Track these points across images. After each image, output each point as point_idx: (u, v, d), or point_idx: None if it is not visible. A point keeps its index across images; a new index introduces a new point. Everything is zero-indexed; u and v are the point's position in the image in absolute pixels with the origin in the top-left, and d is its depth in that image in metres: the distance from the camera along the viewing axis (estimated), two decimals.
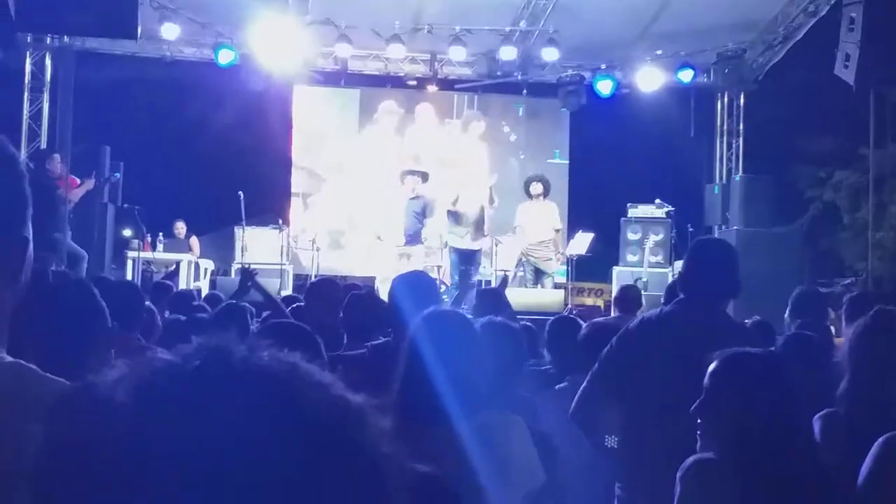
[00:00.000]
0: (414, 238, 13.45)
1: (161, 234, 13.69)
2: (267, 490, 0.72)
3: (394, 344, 3.86)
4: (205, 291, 12.17)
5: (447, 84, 15.68)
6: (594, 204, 14.68)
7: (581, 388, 3.89)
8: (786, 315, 6.19)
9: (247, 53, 13.83)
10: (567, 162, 16.08)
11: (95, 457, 0.72)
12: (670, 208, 14.33)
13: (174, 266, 13.31)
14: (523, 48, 14.69)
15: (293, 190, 15.64)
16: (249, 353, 0.78)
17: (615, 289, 11.51)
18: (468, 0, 13.54)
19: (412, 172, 13.83)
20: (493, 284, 10.63)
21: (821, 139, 13.90)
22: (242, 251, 13.45)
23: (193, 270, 13.44)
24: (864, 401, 3.12)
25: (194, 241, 14.03)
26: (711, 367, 2.70)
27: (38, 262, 1.51)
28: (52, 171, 11.24)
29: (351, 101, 15.84)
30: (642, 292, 12.27)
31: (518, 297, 10.60)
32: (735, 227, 13.80)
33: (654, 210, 14.41)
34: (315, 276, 12.10)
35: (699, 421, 2.70)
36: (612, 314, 8.45)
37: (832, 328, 6.18)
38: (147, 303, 4.91)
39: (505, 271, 12.66)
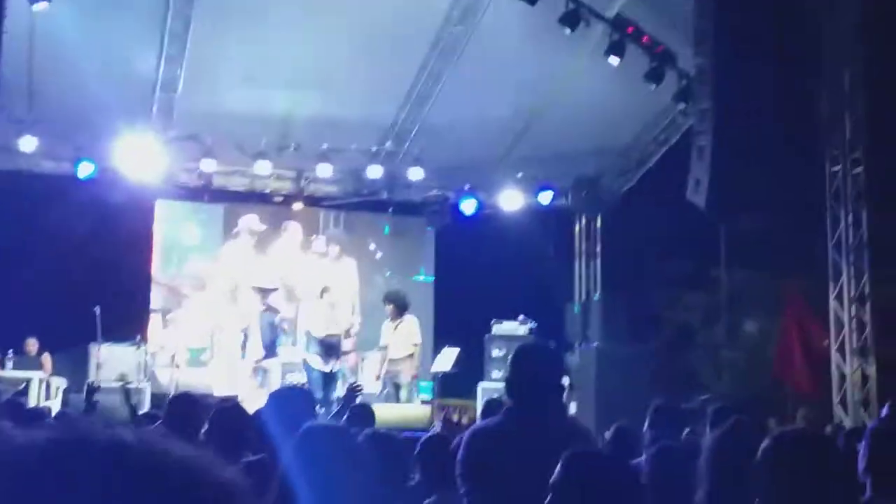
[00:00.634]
0: (270, 352, 13.46)
1: (11, 350, 13.11)
2: None
3: (269, 461, 3.76)
4: (55, 410, 11.66)
5: (314, 201, 15.71)
6: (459, 320, 14.78)
7: None
8: (644, 428, 6.33)
9: (107, 167, 13.63)
10: (432, 279, 16.22)
11: None
12: (533, 324, 14.55)
13: (23, 385, 12.72)
14: (389, 167, 14.92)
15: (152, 306, 15.26)
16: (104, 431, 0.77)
17: (480, 405, 11.53)
18: (335, 119, 13.74)
19: (259, 290, 13.88)
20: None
21: (674, 261, 14.44)
22: (98, 368, 12.98)
23: (45, 389, 12.86)
24: None
25: (46, 358, 13.48)
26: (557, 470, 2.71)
27: None
28: None
29: (215, 217, 15.66)
30: None
31: (384, 412, 10.50)
32: (595, 344, 14.10)
33: (517, 327, 14.60)
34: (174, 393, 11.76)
35: None
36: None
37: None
38: None
39: (354, 385, 12.58)
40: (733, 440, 3.39)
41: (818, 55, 10.40)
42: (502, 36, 12.27)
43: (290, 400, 4.16)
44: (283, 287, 14.90)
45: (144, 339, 14.08)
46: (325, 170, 14.42)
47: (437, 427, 10.57)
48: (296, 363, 13.79)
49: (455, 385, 13.88)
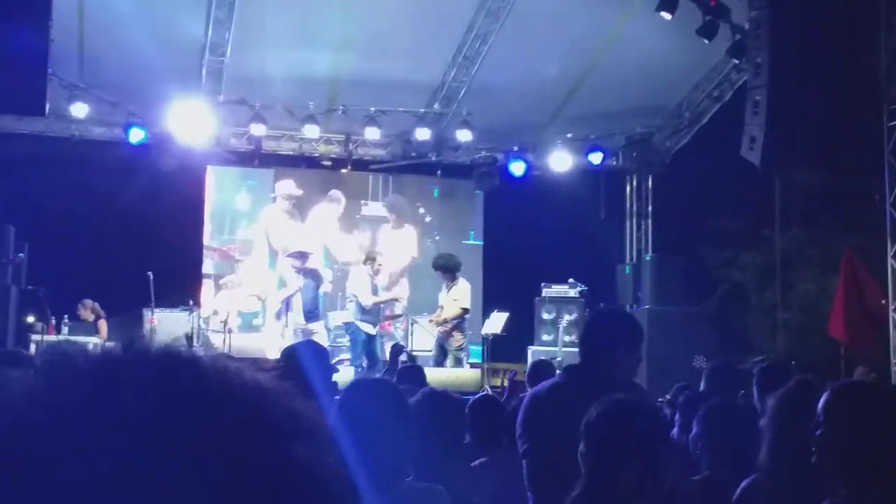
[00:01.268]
0: (312, 315, 13.52)
1: (66, 316, 13.28)
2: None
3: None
4: None
5: (362, 165, 15.70)
6: (509, 284, 14.72)
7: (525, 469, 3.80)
8: (701, 388, 6.24)
9: (158, 132, 13.71)
10: (481, 243, 16.16)
11: None
12: (583, 288, 14.45)
13: None
14: (437, 130, 14.85)
15: (205, 271, 15.38)
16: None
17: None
18: (383, 81, 13.67)
19: (293, 255, 14.00)
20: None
21: (727, 220, 14.20)
22: (151, 333, 13.12)
23: None
24: (785, 468, 3.10)
25: (102, 324, 13.64)
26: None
27: None
28: None
29: (265, 182, 15.71)
30: (556, 370, 12.34)
31: (434, 375, 10.50)
32: (646, 306, 13.99)
33: (567, 290, 14.51)
34: None
35: None
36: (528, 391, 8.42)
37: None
38: None
39: (397, 345, 12.67)
40: (796, 399, 3.29)
41: (877, 7, 10.10)
42: None
43: (310, 355, 4.13)
44: (323, 251, 14.95)
45: (197, 305, 14.22)
46: (372, 133, 14.38)
47: (486, 389, 10.56)
48: (342, 326, 13.85)
49: (505, 348, 13.86)
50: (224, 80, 13.52)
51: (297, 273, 13.91)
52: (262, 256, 15.44)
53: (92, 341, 12.93)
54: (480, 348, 13.86)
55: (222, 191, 15.66)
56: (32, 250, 13.13)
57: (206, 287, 15.27)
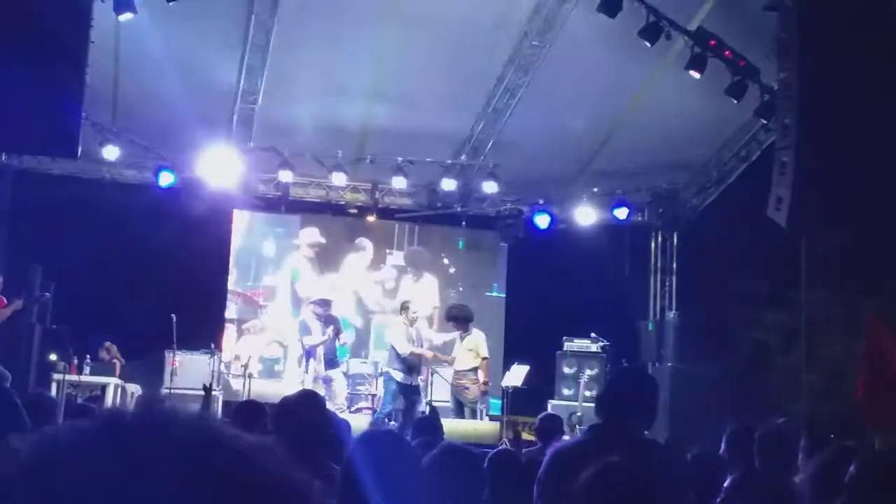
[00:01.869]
0: (332, 363, 13.53)
1: (88, 356, 13.34)
2: None
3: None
4: None
5: (388, 213, 15.79)
6: (531, 337, 14.69)
7: None
8: (721, 451, 6.18)
9: (187, 177, 13.85)
10: (504, 295, 16.15)
11: None
12: (606, 343, 14.39)
13: (99, 390, 12.94)
14: (464, 181, 14.92)
15: (228, 315, 15.44)
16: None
17: None
18: (411, 132, 13.78)
19: (316, 302, 14.06)
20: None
21: (752, 280, 14.16)
22: (172, 375, 13.16)
23: (120, 394, 13.07)
24: None
25: (116, 365, 13.69)
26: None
27: None
28: None
29: (292, 229, 15.82)
30: (577, 426, 12.27)
31: (453, 426, 10.45)
32: (669, 364, 13.90)
33: (589, 344, 14.46)
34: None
35: None
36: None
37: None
38: None
39: (432, 403, 12.63)
40: (834, 467, 3.26)
41: None
42: (581, 49, 12.17)
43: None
44: (354, 300, 15.00)
45: (219, 349, 14.26)
46: (399, 182, 14.47)
47: (504, 443, 10.49)
48: (364, 374, 13.85)
49: (525, 401, 13.78)
50: (254, 127, 13.67)
51: (318, 320, 13.93)
52: (285, 303, 15.50)
53: (113, 382, 12.99)
54: (500, 401, 13.80)
55: (249, 236, 15.78)
56: (59, 289, 13.22)
57: (229, 331, 15.33)
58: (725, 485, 4.65)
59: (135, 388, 13.33)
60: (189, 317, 13.34)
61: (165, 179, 13.80)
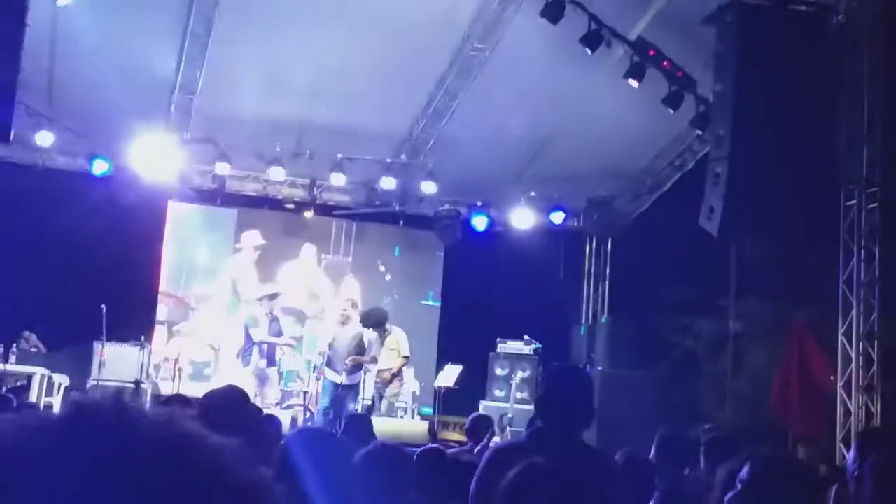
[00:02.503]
0: (271, 360, 13.49)
1: (14, 345, 13.09)
2: None
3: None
4: (56, 407, 11.63)
5: (326, 210, 15.72)
6: (464, 338, 14.75)
7: None
8: (651, 456, 6.26)
9: (122, 165, 13.66)
10: (439, 304, 16.16)
11: None
12: (538, 345, 14.51)
13: (25, 380, 12.70)
14: (403, 180, 14.93)
15: (159, 318, 15.24)
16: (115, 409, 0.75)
17: None
18: (351, 129, 13.76)
19: (265, 296, 14.00)
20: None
21: (683, 287, 14.36)
22: (101, 367, 12.97)
23: (46, 385, 12.84)
24: None
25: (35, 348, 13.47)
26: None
27: None
28: None
29: (228, 221, 15.68)
30: (508, 427, 12.37)
31: (382, 426, 10.45)
32: (599, 368, 14.05)
33: (522, 346, 14.56)
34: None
35: None
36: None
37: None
38: None
39: (364, 402, 12.62)
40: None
41: (839, 87, 10.35)
42: (522, 54, 12.26)
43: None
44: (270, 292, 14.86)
45: (148, 341, 14.08)
46: (338, 179, 14.43)
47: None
48: (297, 371, 13.78)
49: (456, 402, 13.84)
50: (192, 118, 13.53)
51: (265, 316, 13.86)
52: (220, 305, 15.34)
53: (39, 371, 12.75)
54: (432, 401, 13.85)
55: (183, 232, 15.58)
56: None
57: (160, 333, 15.10)
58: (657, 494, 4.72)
59: (62, 379, 13.10)
60: (119, 308, 13.14)
61: (99, 168, 13.61)
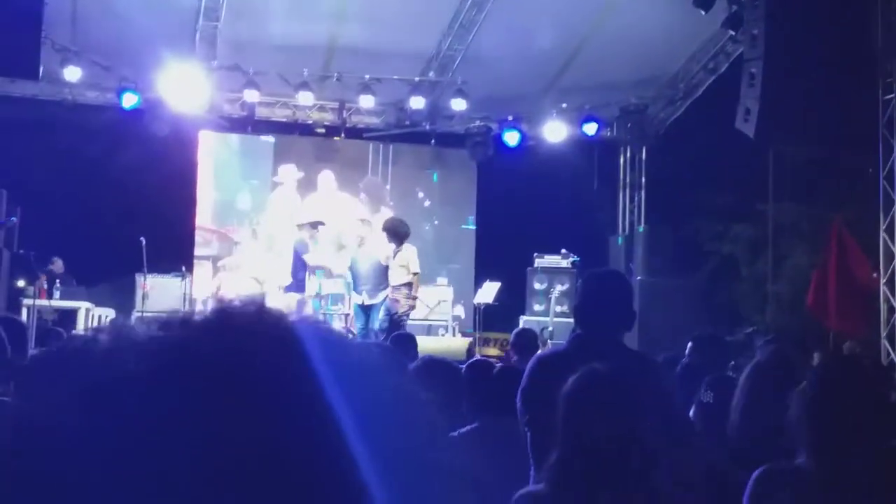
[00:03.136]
0: (302, 285, 13.44)
1: (58, 280, 13.28)
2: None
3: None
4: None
5: (356, 133, 15.67)
6: (502, 254, 14.76)
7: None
8: (684, 358, 6.25)
9: (151, 97, 13.65)
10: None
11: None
12: (576, 258, 14.49)
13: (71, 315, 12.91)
14: (432, 98, 14.80)
15: (204, 253, 15.31)
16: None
17: None
18: (377, 49, 13.61)
19: (306, 225, 13.84)
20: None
21: (720, 193, 14.24)
22: (144, 299, 13.14)
23: (93, 319, 13.04)
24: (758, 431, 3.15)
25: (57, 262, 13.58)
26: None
27: None
28: None
29: (265, 152, 15.66)
30: (549, 340, 12.40)
31: (424, 343, 10.52)
32: (638, 278, 14.03)
33: (559, 260, 14.56)
34: None
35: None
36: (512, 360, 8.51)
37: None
38: None
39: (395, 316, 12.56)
40: (773, 367, 3.34)
41: None
42: None
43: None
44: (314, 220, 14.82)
45: (189, 272, 14.21)
46: (367, 101, 14.34)
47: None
48: (336, 294, 13.82)
49: (497, 318, 13.90)
50: (218, 46, 13.44)
51: (310, 240, 13.75)
52: (264, 239, 15.31)
53: (84, 306, 12.95)
54: (472, 317, 13.92)
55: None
56: (24, 214, 13.09)
57: (205, 268, 15.15)
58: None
59: (107, 312, 13.30)
60: (158, 241, 13.25)
61: (129, 101, 13.59)
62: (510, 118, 15.11)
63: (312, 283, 13.83)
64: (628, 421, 2.52)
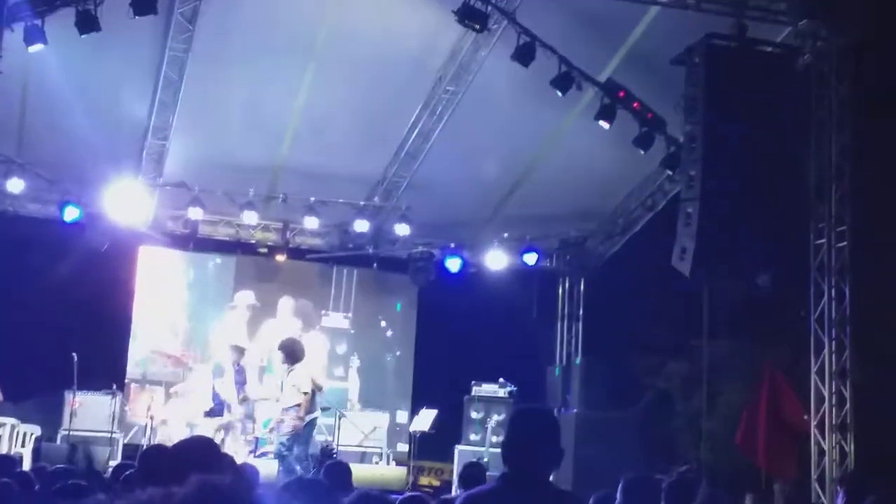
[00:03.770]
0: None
1: None
2: None
3: None
4: (27, 458, 11.47)
5: (299, 253, 15.68)
6: (439, 381, 14.70)
7: None
8: (617, 501, 6.21)
9: (93, 212, 13.58)
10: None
11: None
12: (513, 388, 14.47)
13: None
14: (376, 222, 14.93)
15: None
16: None
17: (457, 468, 11.36)
18: (324, 172, 13.77)
19: (232, 346, 13.98)
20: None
21: (656, 328, 14.39)
22: (71, 417, 12.80)
23: (16, 436, 12.61)
24: None
25: None
26: None
27: None
28: None
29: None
30: (486, 472, 12.25)
31: (360, 472, 10.35)
32: (574, 410, 14.02)
33: (497, 389, 14.51)
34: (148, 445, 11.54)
35: None
36: (455, 492, 8.38)
37: None
38: None
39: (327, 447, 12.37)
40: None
41: (807, 126, 10.47)
42: (494, 97, 12.36)
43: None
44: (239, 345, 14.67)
45: (120, 390, 13.90)
46: (311, 222, 14.41)
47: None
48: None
49: (432, 446, 13.75)
50: (165, 163, 13.50)
51: (231, 366, 13.75)
52: (211, 365, 15.03)
53: (9, 422, 12.53)
54: (407, 446, 13.75)
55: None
56: None
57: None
58: None
59: (33, 429, 12.84)
60: (90, 356, 12.97)
61: (70, 214, 13.50)
62: (452, 245, 15.26)
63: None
64: None
